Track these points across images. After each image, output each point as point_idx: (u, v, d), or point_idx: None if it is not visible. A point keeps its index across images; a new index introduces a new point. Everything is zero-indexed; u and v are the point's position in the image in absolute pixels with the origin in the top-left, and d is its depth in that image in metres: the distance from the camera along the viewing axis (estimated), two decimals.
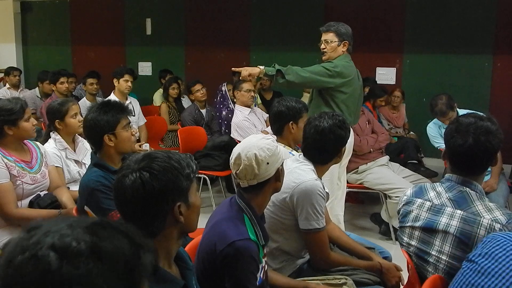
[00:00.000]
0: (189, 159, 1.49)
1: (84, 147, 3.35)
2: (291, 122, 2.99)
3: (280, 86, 3.77)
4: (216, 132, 5.65)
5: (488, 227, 1.86)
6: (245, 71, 3.47)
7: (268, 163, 1.94)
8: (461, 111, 4.10)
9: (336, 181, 3.65)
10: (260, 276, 1.93)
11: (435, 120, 4.43)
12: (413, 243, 2.09)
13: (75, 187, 2.97)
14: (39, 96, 6.52)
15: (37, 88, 6.70)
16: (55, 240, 0.81)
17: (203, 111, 5.73)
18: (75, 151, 3.29)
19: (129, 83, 5.16)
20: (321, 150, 2.45)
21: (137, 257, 0.87)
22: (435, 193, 2.07)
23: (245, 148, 1.96)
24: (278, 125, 3.06)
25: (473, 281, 1.56)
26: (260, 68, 3.47)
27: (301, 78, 3.46)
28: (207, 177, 4.92)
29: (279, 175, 2.03)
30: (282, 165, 2.05)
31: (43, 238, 0.81)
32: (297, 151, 2.95)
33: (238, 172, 1.96)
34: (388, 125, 6.33)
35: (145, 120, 5.60)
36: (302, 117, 2.99)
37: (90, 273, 0.79)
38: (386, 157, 4.50)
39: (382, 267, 2.42)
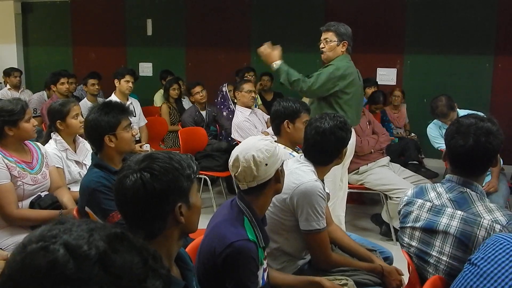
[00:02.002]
0: (189, 160, 1.49)
1: (85, 147, 3.35)
2: (286, 121, 2.99)
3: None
4: (226, 129, 5.60)
5: (488, 227, 1.86)
6: (264, 50, 3.68)
7: (266, 165, 1.93)
8: (462, 112, 4.10)
9: (338, 182, 3.65)
10: (262, 278, 1.93)
11: (436, 120, 4.44)
12: (413, 243, 2.08)
13: (76, 188, 2.96)
14: (46, 100, 6.41)
15: (44, 91, 6.62)
16: (70, 238, 0.83)
17: (203, 112, 5.73)
18: (75, 152, 3.29)
19: (130, 84, 5.16)
20: (321, 151, 2.45)
21: (143, 279, 0.87)
22: (435, 193, 2.07)
23: (243, 150, 1.96)
24: (275, 124, 3.06)
25: (474, 285, 1.56)
26: (275, 65, 3.61)
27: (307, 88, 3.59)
28: (207, 178, 4.93)
29: (279, 176, 2.02)
30: (282, 166, 2.04)
31: (61, 234, 0.84)
32: (297, 152, 2.95)
33: (237, 174, 1.96)
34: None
35: (146, 121, 5.60)
36: (299, 117, 2.98)
37: (91, 279, 0.80)
38: (387, 158, 4.50)
39: (384, 270, 2.43)
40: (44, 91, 6.55)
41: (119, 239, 0.88)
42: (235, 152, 1.98)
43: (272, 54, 3.70)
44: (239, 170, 1.94)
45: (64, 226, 0.87)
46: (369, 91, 6.08)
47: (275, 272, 2.29)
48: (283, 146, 2.94)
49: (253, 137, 2.12)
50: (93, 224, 0.89)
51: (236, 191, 2.09)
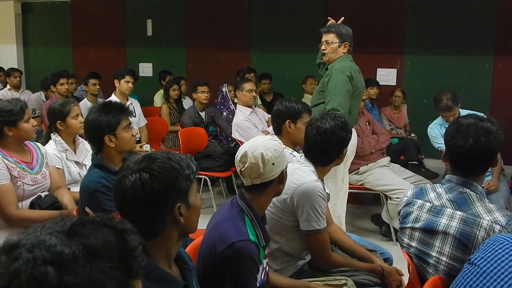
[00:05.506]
0: (189, 160, 1.49)
1: (85, 148, 3.35)
2: (288, 121, 2.99)
3: None
4: (224, 129, 5.60)
5: (487, 228, 1.86)
6: None
7: (273, 164, 1.95)
8: (462, 112, 4.10)
9: (340, 183, 3.65)
10: (261, 277, 1.93)
11: (436, 120, 4.43)
12: (413, 244, 2.08)
13: (76, 188, 2.97)
14: (45, 101, 6.40)
15: (41, 92, 6.62)
16: (44, 253, 0.78)
17: (202, 113, 5.72)
18: (75, 152, 3.30)
19: (130, 84, 5.16)
20: (322, 152, 2.45)
21: (125, 241, 0.88)
22: (435, 194, 2.07)
23: (252, 147, 1.98)
24: (277, 123, 3.07)
25: (474, 285, 1.56)
26: None
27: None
28: (207, 178, 4.92)
29: (282, 177, 2.04)
30: (286, 168, 2.06)
31: (30, 255, 0.77)
32: (298, 152, 2.95)
33: (243, 170, 1.97)
34: (390, 125, 6.33)
35: (146, 121, 5.60)
36: (301, 117, 2.98)
37: (91, 274, 0.79)
38: (387, 158, 4.50)
39: (384, 270, 2.42)
40: (42, 92, 6.56)
41: (80, 224, 0.86)
42: (243, 148, 2.00)
43: None
44: (245, 165, 1.95)
45: (22, 247, 0.79)
46: (371, 91, 6.06)
47: (271, 273, 2.29)
48: (284, 146, 2.94)
49: (262, 136, 2.14)
50: (45, 227, 0.84)
51: (237, 191, 2.09)
